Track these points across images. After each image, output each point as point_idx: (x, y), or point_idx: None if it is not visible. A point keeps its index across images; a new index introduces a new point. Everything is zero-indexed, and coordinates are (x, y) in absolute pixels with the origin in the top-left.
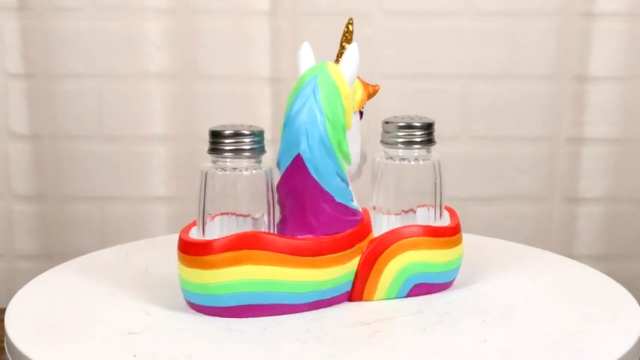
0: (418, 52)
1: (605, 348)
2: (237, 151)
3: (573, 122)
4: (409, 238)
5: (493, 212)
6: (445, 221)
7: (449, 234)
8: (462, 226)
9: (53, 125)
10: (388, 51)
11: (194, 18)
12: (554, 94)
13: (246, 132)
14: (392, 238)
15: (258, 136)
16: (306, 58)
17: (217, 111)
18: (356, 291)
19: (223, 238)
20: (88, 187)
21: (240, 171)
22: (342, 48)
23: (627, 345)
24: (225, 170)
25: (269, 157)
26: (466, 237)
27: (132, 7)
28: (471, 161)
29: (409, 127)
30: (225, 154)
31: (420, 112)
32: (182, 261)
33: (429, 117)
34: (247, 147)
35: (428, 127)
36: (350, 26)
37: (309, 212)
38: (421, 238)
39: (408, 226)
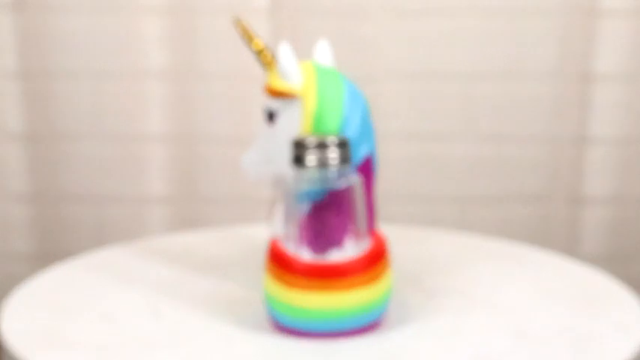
0: (419, 50)
1: (609, 350)
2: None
3: (577, 121)
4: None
5: (495, 212)
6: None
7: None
8: (462, 226)
9: (50, 125)
10: (388, 50)
11: (192, 16)
12: (558, 92)
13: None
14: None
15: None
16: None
17: (216, 110)
18: None
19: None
20: (86, 186)
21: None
22: (260, 50)
23: (631, 347)
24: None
25: None
26: (466, 237)
27: (129, 5)
28: (473, 160)
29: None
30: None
31: (421, 112)
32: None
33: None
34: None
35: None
36: (241, 26)
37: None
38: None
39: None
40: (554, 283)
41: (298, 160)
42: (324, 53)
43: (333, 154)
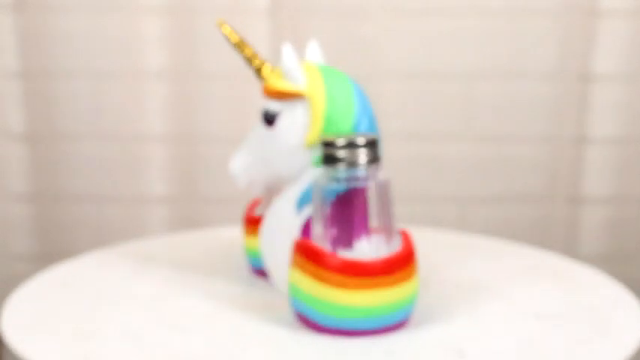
0: (419, 50)
1: (607, 350)
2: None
3: (577, 121)
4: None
5: (495, 212)
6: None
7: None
8: (464, 227)
9: (50, 125)
10: (389, 50)
11: (192, 17)
12: (557, 93)
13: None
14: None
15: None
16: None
17: (216, 110)
18: None
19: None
20: (86, 186)
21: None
22: (248, 54)
23: (630, 348)
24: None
25: None
26: (466, 237)
27: (129, 5)
28: (473, 161)
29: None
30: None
31: (420, 111)
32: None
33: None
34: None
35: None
36: (225, 30)
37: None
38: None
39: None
40: (552, 283)
41: (329, 159)
42: (315, 53)
43: (363, 154)
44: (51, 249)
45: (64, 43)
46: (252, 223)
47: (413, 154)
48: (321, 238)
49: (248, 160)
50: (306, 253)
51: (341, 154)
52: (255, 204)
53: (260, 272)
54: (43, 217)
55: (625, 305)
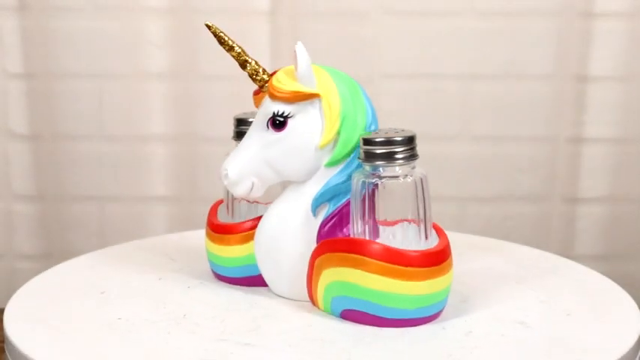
0: (418, 52)
1: (603, 349)
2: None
3: (573, 122)
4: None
5: (493, 212)
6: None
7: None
8: (461, 227)
9: (53, 125)
10: (387, 51)
11: (194, 18)
12: (554, 94)
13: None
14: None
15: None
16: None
17: (217, 111)
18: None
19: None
20: (88, 186)
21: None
22: (238, 55)
23: (625, 346)
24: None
25: None
26: (465, 237)
27: (131, 6)
28: (470, 161)
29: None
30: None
31: (420, 112)
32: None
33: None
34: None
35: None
36: (216, 32)
37: None
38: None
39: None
40: (549, 282)
41: (368, 156)
42: (304, 55)
43: (400, 150)
44: (53, 248)
45: (67, 44)
46: (220, 230)
47: None
48: (364, 233)
49: (248, 166)
50: (360, 250)
51: (380, 150)
52: (215, 208)
53: (230, 280)
54: (45, 216)
55: (621, 304)
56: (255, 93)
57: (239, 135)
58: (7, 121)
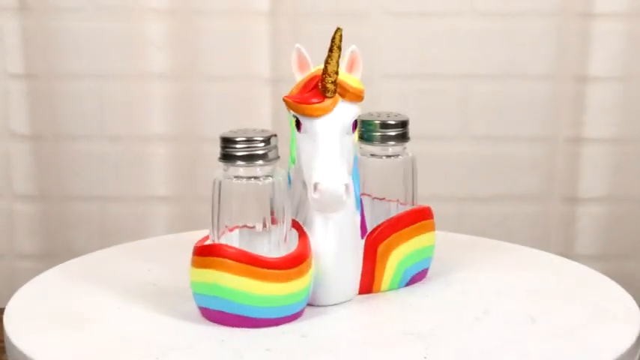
0: (418, 52)
1: (603, 348)
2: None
3: (572, 122)
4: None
5: (492, 212)
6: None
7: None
8: (461, 227)
9: (54, 125)
10: (388, 51)
11: (194, 19)
12: (553, 94)
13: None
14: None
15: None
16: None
17: (217, 111)
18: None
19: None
20: (89, 187)
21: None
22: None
23: (625, 345)
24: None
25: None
26: (465, 237)
27: (132, 7)
28: (470, 161)
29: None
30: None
31: (419, 112)
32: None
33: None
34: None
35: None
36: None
37: None
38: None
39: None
40: (549, 282)
41: (366, 137)
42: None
43: (393, 132)
44: (54, 248)
45: (68, 44)
46: (206, 252)
47: (412, 154)
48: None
49: (341, 172)
50: None
51: (376, 132)
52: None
53: (218, 317)
54: (46, 216)
55: (621, 303)
56: (318, 99)
57: (226, 157)
58: (8, 121)
